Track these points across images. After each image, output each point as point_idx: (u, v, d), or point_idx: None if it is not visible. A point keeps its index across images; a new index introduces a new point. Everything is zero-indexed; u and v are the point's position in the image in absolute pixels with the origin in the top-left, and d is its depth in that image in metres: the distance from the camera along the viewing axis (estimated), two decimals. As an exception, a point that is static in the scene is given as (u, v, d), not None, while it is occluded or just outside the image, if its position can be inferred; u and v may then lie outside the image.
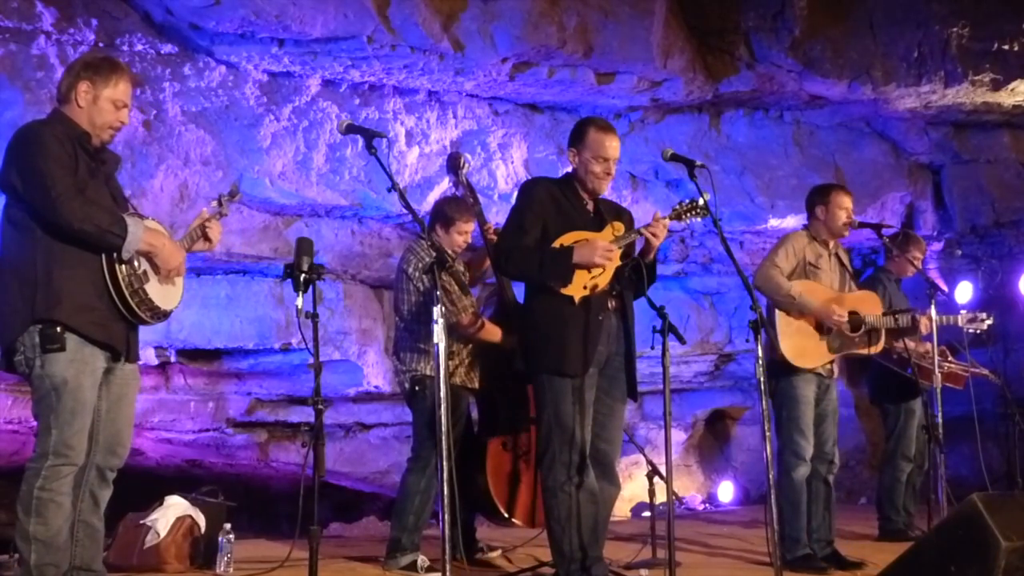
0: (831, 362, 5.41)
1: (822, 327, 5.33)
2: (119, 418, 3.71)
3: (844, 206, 5.43)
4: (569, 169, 4.49)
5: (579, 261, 4.18)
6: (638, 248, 4.43)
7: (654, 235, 4.26)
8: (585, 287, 4.22)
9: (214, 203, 4.04)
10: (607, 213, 4.45)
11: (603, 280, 4.25)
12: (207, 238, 3.91)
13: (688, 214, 4.42)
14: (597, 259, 4.18)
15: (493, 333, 5.07)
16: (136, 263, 3.59)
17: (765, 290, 5.27)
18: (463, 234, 5.12)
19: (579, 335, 4.21)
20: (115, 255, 3.53)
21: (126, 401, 3.75)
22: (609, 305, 4.32)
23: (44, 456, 3.49)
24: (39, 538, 3.47)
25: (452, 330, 4.95)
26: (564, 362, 4.21)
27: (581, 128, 4.41)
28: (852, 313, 5.37)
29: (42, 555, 3.48)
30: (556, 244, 4.26)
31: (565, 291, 4.20)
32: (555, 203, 4.36)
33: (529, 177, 7.40)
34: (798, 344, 5.27)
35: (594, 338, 4.23)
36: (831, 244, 5.51)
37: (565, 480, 4.19)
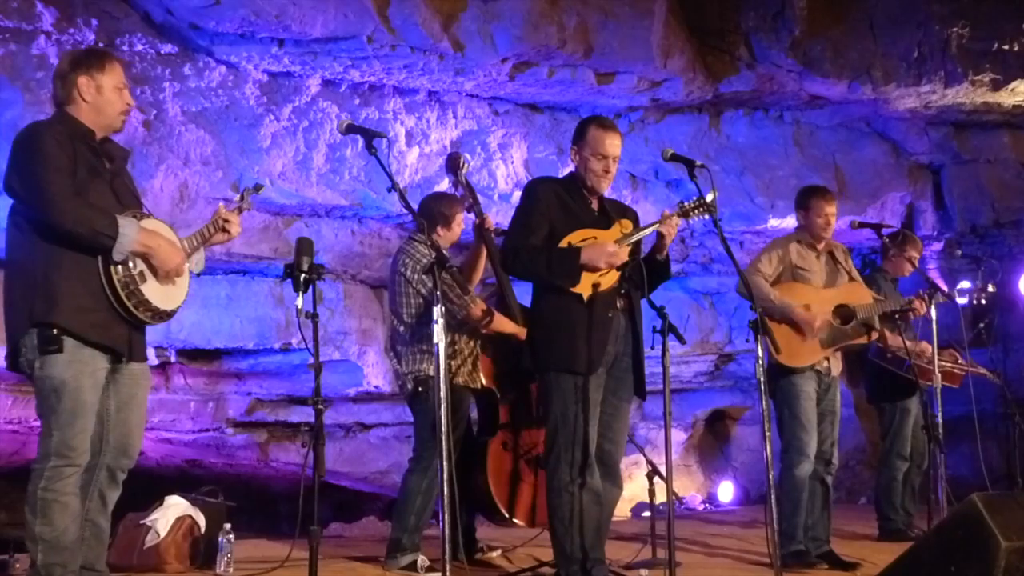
0: (827, 358, 5.41)
1: None
2: (130, 418, 3.69)
3: (823, 212, 5.44)
4: (572, 168, 4.48)
5: (586, 262, 4.18)
6: (647, 247, 4.41)
7: (665, 231, 4.25)
8: (595, 284, 4.21)
9: (237, 197, 3.99)
10: (613, 211, 4.44)
11: (611, 278, 4.24)
12: (226, 231, 3.86)
13: (695, 212, 4.36)
14: (603, 263, 4.18)
15: (505, 324, 5.08)
16: (132, 264, 3.52)
17: (747, 296, 5.28)
18: (461, 224, 5.20)
19: (587, 334, 4.19)
20: (110, 256, 3.48)
21: (136, 401, 3.71)
22: (617, 304, 4.31)
23: (47, 457, 3.48)
24: (45, 538, 3.47)
25: (463, 324, 4.97)
26: (572, 360, 4.19)
27: (583, 126, 4.41)
28: (841, 306, 5.39)
29: (48, 555, 3.48)
30: (564, 243, 4.25)
31: (575, 289, 4.19)
32: (560, 202, 4.34)
33: (529, 177, 7.41)
34: (787, 345, 5.27)
35: (602, 337, 4.22)
36: (820, 245, 5.52)
37: (569, 480, 4.17)
